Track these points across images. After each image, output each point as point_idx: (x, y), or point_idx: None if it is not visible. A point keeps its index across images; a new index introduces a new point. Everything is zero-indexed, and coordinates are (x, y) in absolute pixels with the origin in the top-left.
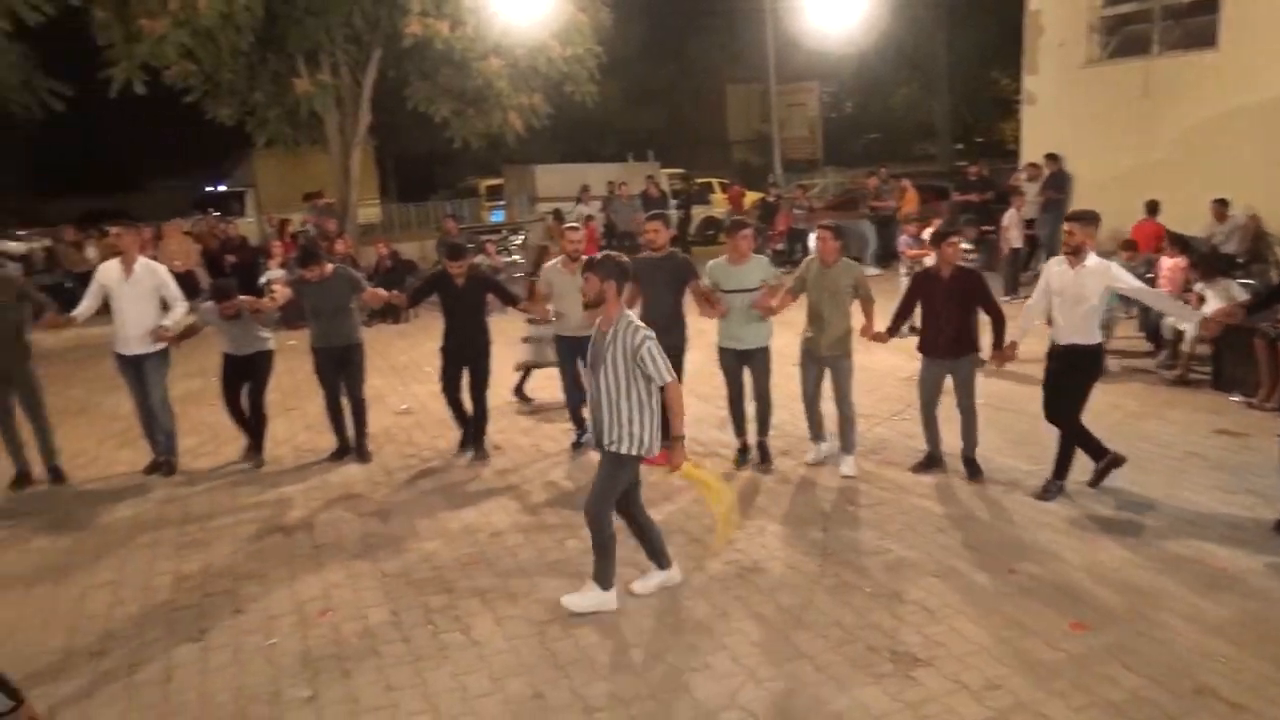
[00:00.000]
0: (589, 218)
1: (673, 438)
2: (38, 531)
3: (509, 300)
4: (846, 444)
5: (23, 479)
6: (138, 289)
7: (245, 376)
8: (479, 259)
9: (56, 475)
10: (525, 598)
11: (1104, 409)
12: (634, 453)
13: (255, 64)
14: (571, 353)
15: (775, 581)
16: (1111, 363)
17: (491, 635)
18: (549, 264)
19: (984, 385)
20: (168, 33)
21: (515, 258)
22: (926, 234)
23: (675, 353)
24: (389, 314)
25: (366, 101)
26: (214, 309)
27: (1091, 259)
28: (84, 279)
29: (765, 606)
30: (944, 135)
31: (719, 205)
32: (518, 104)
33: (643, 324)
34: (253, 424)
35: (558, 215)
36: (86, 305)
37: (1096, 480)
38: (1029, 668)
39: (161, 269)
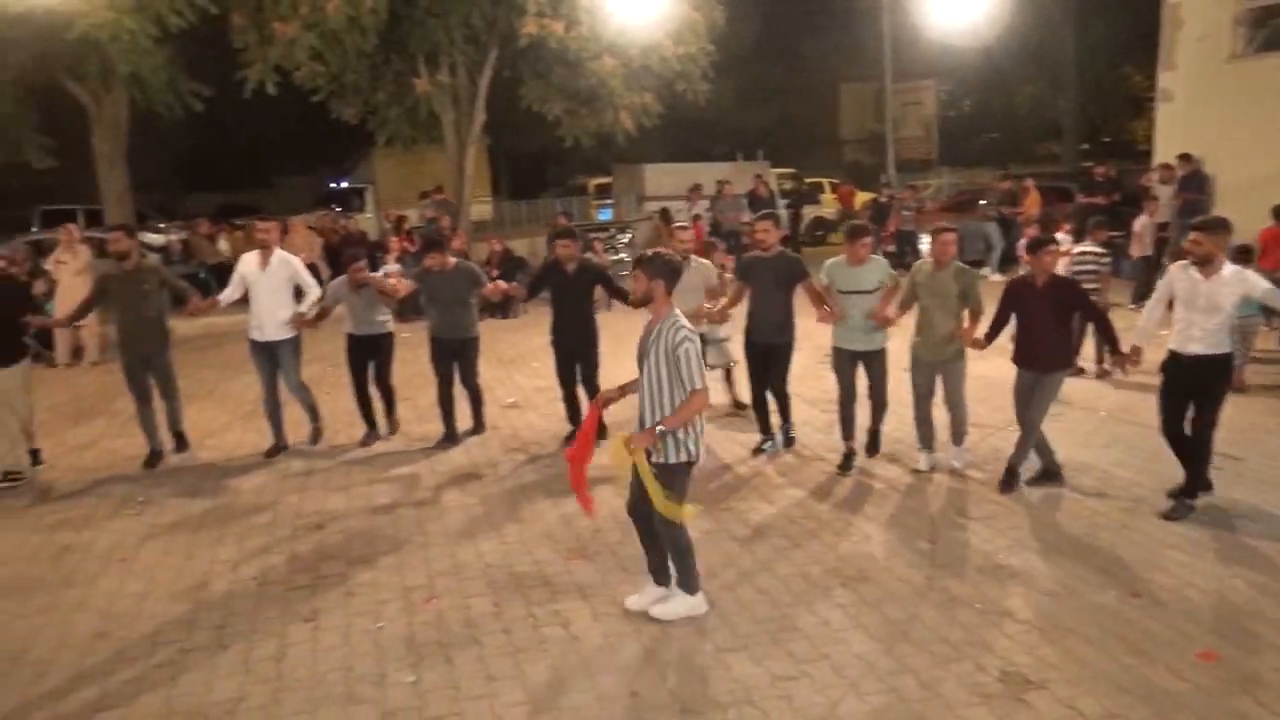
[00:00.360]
0: (696, 217)
1: (654, 427)
2: (166, 509)
3: (617, 294)
4: (956, 436)
5: (155, 458)
6: (274, 279)
7: (369, 355)
8: (587, 256)
9: (181, 441)
10: (624, 594)
11: (1241, 425)
12: (679, 460)
13: (378, 65)
14: None
15: (880, 592)
16: (1250, 375)
17: (590, 631)
18: None
19: (1104, 396)
20: (298, 36)
21: (622, 256)
22: (1060, 236)
23: (783, 353)
24: (499, 309)
25: (482, 101)
26: (343, 283)
27: (1227, 268)
28: (216, 269)
29: (869, 617)
30: (1070, 135)
31: (829, 205)
32: (629, 103)
33: (688, 325)
34: (384, 401)
35: (665, 214)
36: (228, 293)
37: (1174, 512)
38: (1152, 698)
39: (295, 260)
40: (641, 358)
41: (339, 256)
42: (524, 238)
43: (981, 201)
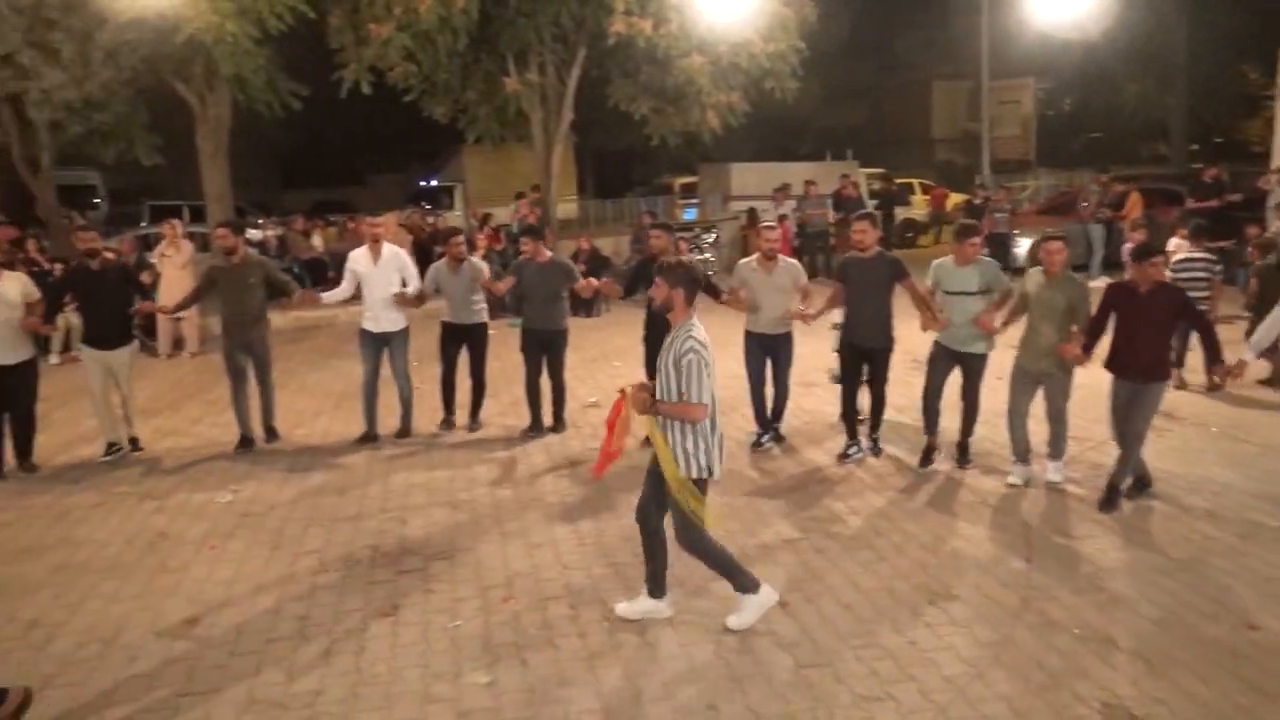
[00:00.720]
0: (782, 217)
1: (654, 398)
2: (256, 499)
3: (711, 293)
4: (1055, 451)
5: (246, 443)
6: (385, 271)
7: (462, 343)
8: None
9: (272, 434)
10: (702, 602)
11: None
12: (691, 475)
13: (469, 64)
14: (761, 350)
15: (971, 612)
16: None
17: (667, 639)
18: (743, 261)
19: (1216, 411)
20: (391, 36)
21: (707, 256)
22: (1175, 242)
23: (882, 357)
24: (583, 307)
25: (569, 99)
26: (441, 266)
27: None
28: (308, 264)
29: (959, 638)
30: (1178, 135)
31: (920, 207)
32: (716, 101)
33: (700, 335)
34: (474, 393)
35: (752, 214)
36: (342, 289)
37: None
38: None
39: (403, 253)
40: (656, 369)
41: (428, 254)
42: (608, 236)
43: (1083, 204)
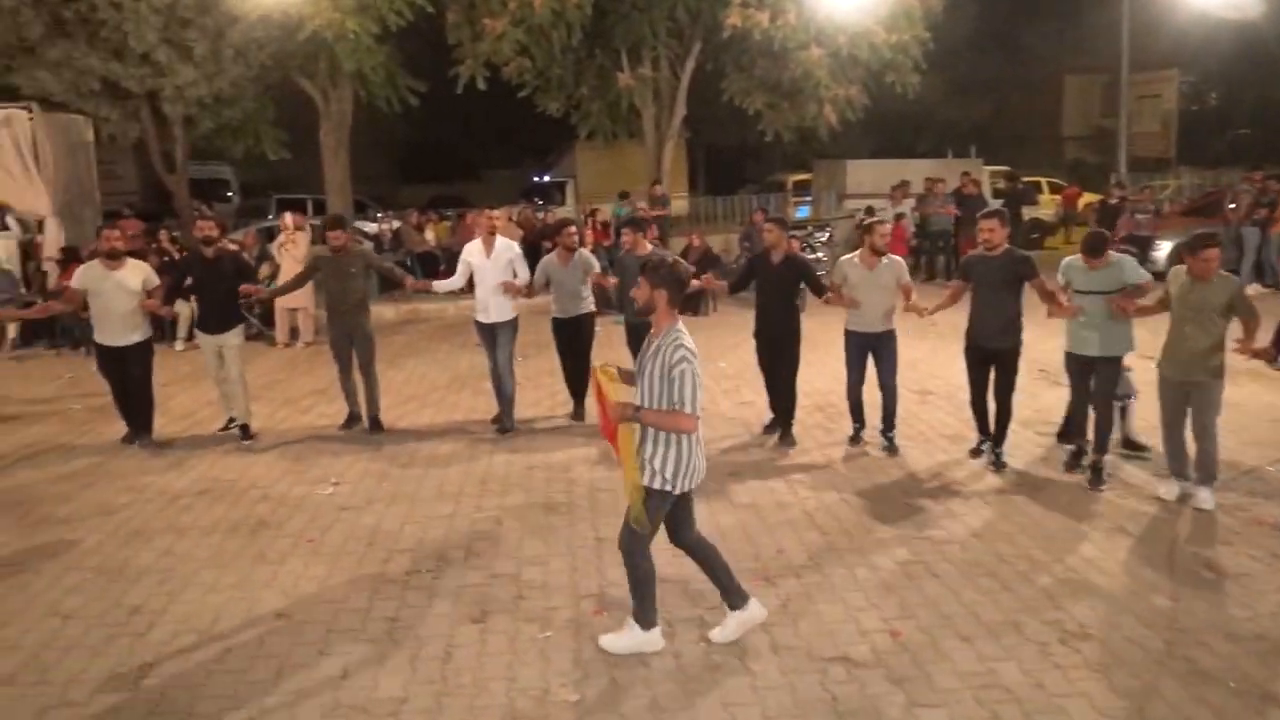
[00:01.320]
0: (900, 216)
1: (632, 406)
2: (357, 491)
3: (818, 290)
4: (1204, 474)
5: (353, 420)
6: (497, 264)
7: (569, 336)
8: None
9: (376, 425)
10: (809, 627)
11: None
12: (653, 485)
13: (582, 59)
14: (861, 348)
15: (1108, 655)
16: None
17: (768, 665)
18: (845, 257)
19: None
20: (506, 31)
21: (819, 255)
22: None
23: (1008, 358)
24: (689, 305)
25: (683, 94)
26: (552, 259)
27: None
28: (422, 258)
29: (1094, 684)
30: None
31: (1047, 206)
32: (834, 96)
33: (689, 343)
34: (578, 384)
35: (870, 213)
36: (455, 280)
37: None
38: None
39: (516, 246)
40: (638, 375)
41: (537, 249)
42: (719, 234)
43: (1231, 205)
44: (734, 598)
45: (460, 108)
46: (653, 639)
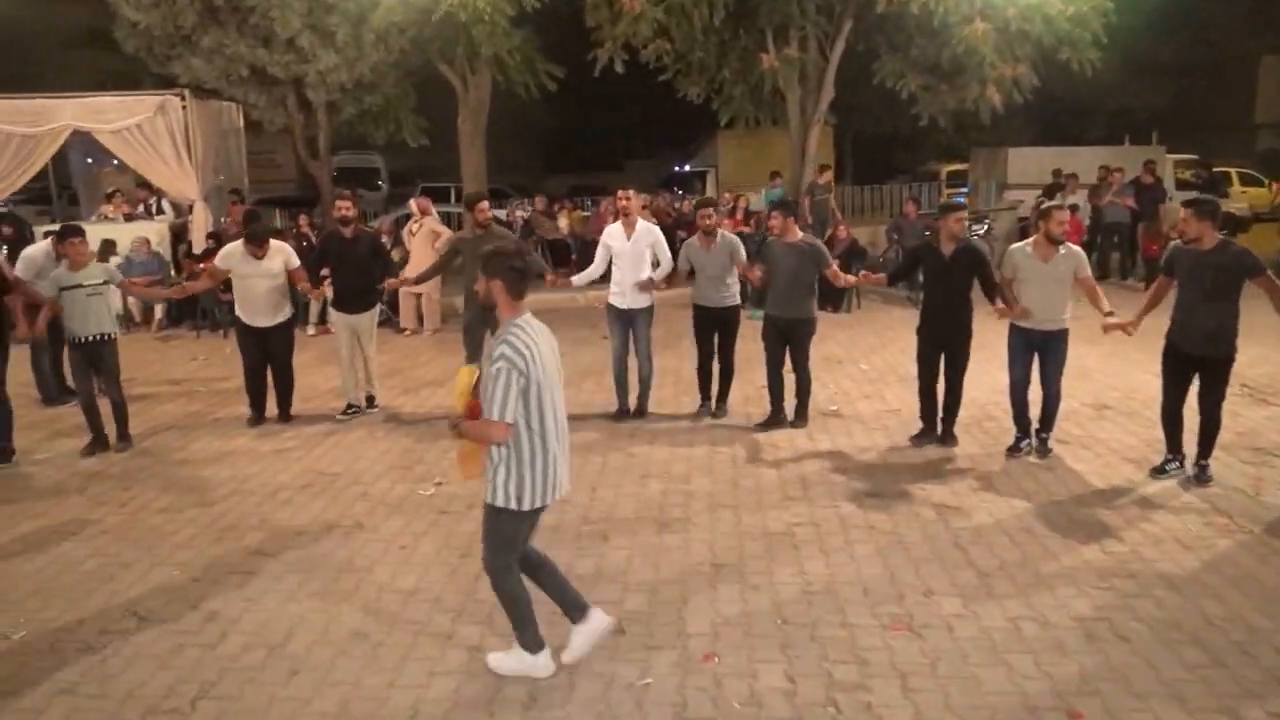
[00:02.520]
0: (1074, 207)
1: (463, 419)
2: (459, 494)
3: (989, 291)
4: None
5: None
6: (637, 247)
7: (715, 329)
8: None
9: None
10: (963, 696)
11: None
12: (493, 503)
13: (725, 40)
14: (1027, 347)
15: None
16: None
17: None
18: (1015, 245)
19: None
20: (645, 10)
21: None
22: None
23: (1218, 367)
24: (829, 301)
25: (831, 76)
26: (694, 242)
27: None
28: (553, 245)
29: None
30: None
31: (1238, 199)
32: (999, 75)
33: (521, 340)
34: (721, 379)
35: (1052, 193)
36: (595, 268)
37: None
38: None
39: (656, 229)
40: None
41: (671, 238)
42: (865, 226)
43: None
44: (574, 612)
45: (602, 97)
46: (541, 663)
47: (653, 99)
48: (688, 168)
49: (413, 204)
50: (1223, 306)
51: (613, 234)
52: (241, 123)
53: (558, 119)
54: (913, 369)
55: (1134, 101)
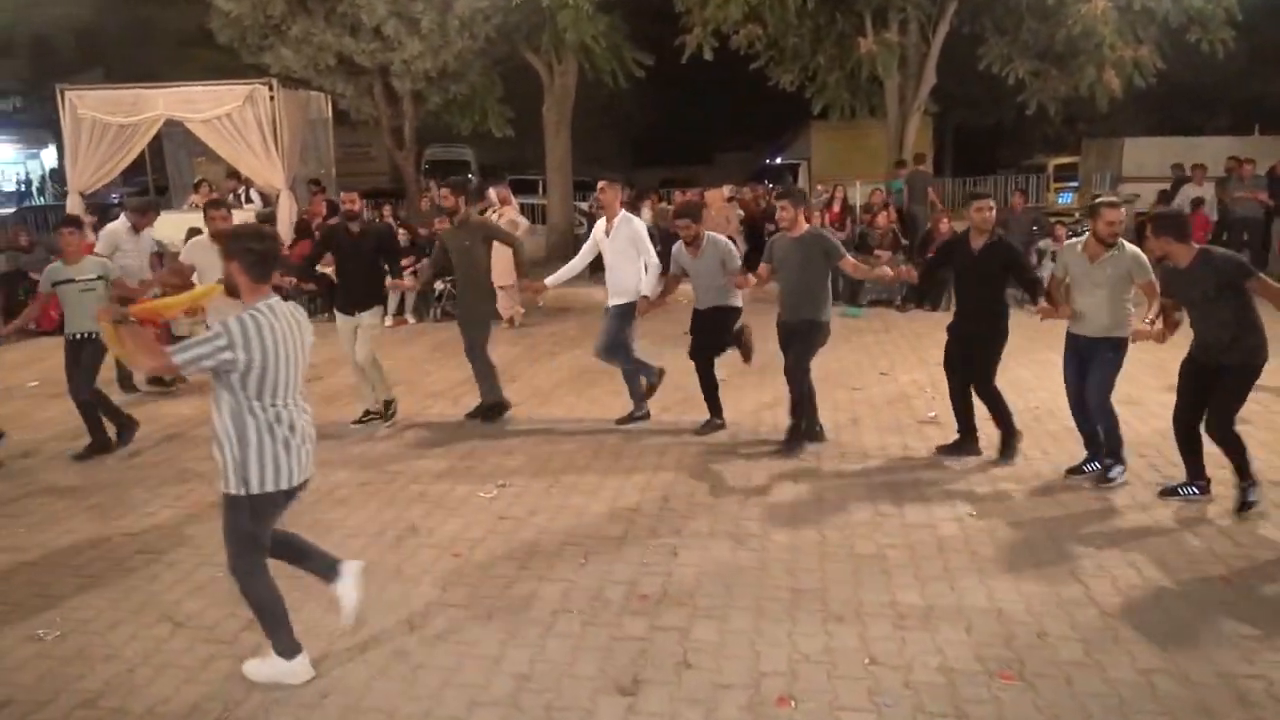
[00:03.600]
0: (1199, 201)
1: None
2: (522, 496)
3: (1030, 287)
4: None
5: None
6: (616, 243)
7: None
8: (1042, 244)
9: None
10: None
11: None
12: (226, 490)
13: (820, 24)
14: (1076, 356)
15: None
16: None
17: None
18: (1069, 242)
19: None
20: None
21: None
22: None
23: (1247, 374)
24: (925, 297)
25: (933, 61)
26: (683, 249)
27: None
28: None
29: None
30: None
31: None
32: (1120, 57)
33: (249, 320)
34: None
35: (1178, 183)
36: (575, 262)
37: None
38: None
39: (638, 223)
40: None
41: (759, 231)
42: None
43: None
44: (329, 573)
45: (691, 87)
46: (297, 668)
47: (744, 91)
48: (780, 160)
49: (492, 193)
50: (1227, 316)
51: (598, 228)
52: (330, 113)
53: (647, 111)
54: (1018, 373)
55: (1261, 90)
